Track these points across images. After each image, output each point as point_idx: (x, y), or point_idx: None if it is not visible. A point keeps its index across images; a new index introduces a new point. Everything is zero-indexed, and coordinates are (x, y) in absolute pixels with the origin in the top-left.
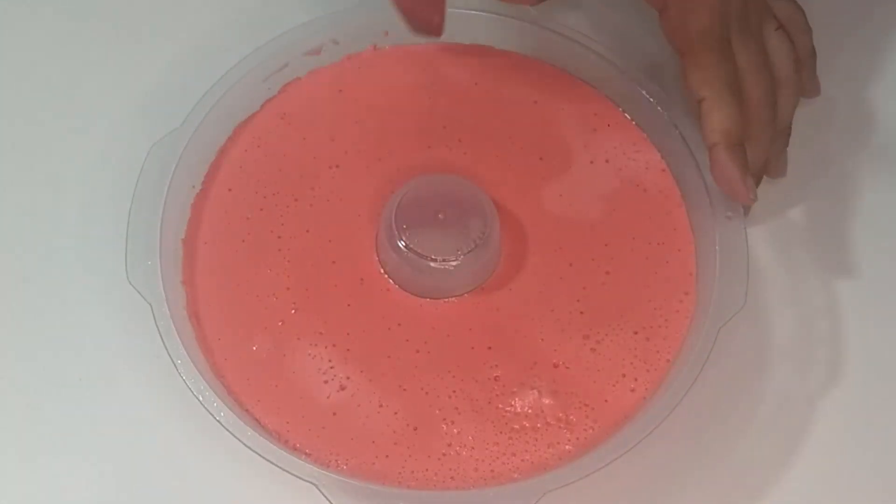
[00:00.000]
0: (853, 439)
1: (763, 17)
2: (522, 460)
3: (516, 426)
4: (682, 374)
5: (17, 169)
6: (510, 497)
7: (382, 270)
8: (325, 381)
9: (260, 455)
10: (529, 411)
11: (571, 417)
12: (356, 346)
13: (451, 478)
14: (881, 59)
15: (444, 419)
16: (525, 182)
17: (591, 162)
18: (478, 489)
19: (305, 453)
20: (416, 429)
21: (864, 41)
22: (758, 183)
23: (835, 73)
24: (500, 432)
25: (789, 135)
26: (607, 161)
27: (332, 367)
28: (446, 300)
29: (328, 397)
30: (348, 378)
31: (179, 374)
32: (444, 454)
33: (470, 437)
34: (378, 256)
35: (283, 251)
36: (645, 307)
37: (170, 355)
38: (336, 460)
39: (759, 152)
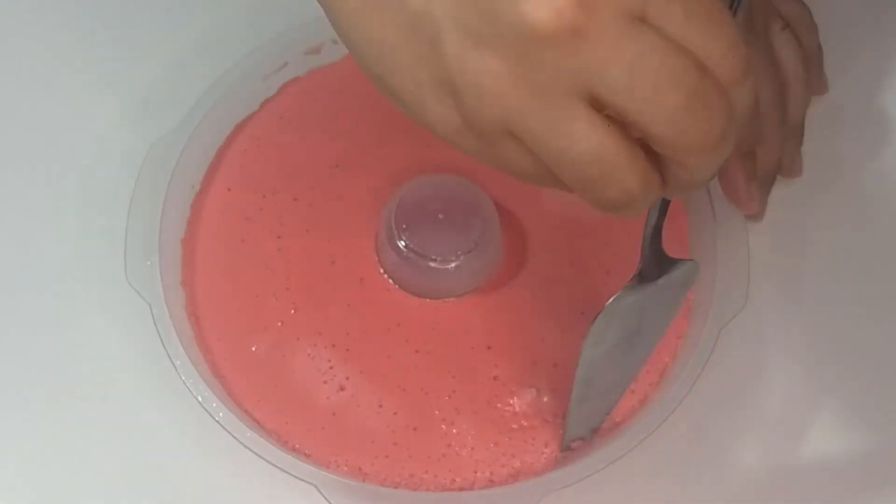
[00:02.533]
0: (853, 440)
1: (768, 16)
2: (522, 461)
3: (516, 426)
4: (682, 375)
5: (16, 168)
6: (510, 498)
7: (382, 270)
8: (325, 382)
9: (259, 456)
10: (529, 411)
11: None
12: (356, 347)
13: (452, 479)
14: (890, 60)
15: (444, 419)
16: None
17: None
18: (478, 490)
19: (305, 454)
20: (415, 429)
21: (874, 42)
22: (770, 184)
23: (842, 75)
24: (500, 433)
25: (802, 134)
26: None
27: (331, 368)
28: (446, 300)
29: (328, 398)
30: (348, 378)
31: (178, 374)
32: (443, 455)
33: (470, 438)
34: (378, 256)
35: (283, 251)
36: None
37: (169, 356)
38: (335, 461)
39: (770, 154)
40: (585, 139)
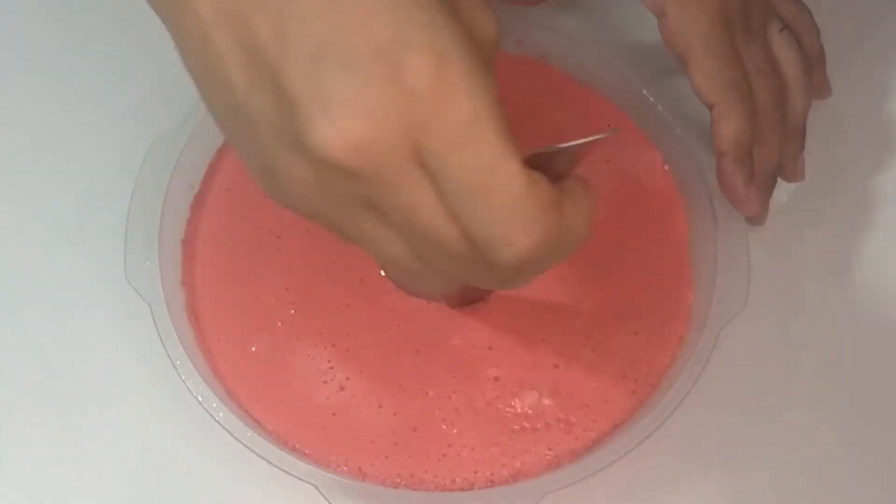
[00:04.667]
0: (853, 441)
1: (766, 18)
2: (523, 461)
3: (516, 427)
4: (682, 376)
5: (16, 169)
6: (511, 498)
7: (382, 271)
8: (325, 382)
9: (259, 456)
10: (530, 412)
11: (572, 418)
12: (356, 347)
13: (452, 479)
14: (892, 67)
15: (444, 420)
16: None
17: (591, 162)
18: (478, 490)
19: (305, 454)
20: (415, 429)
21: (877, 49)
22: (771, 187)
23: (844, 81)
24: (501, 433)
25: (804, 137)
26: (607, 161)
27: (331, 368)
28: (446, 300)
29: (327, 398)
30: (348, 378)
31: (179, 374)
32: (444, 455)
33: (470, 438)
34: None
35: (283, 251)
36: (645, 308)
37: (169, 356)
38: (335, 461)
39: (769, 155)
40: (389, 246)
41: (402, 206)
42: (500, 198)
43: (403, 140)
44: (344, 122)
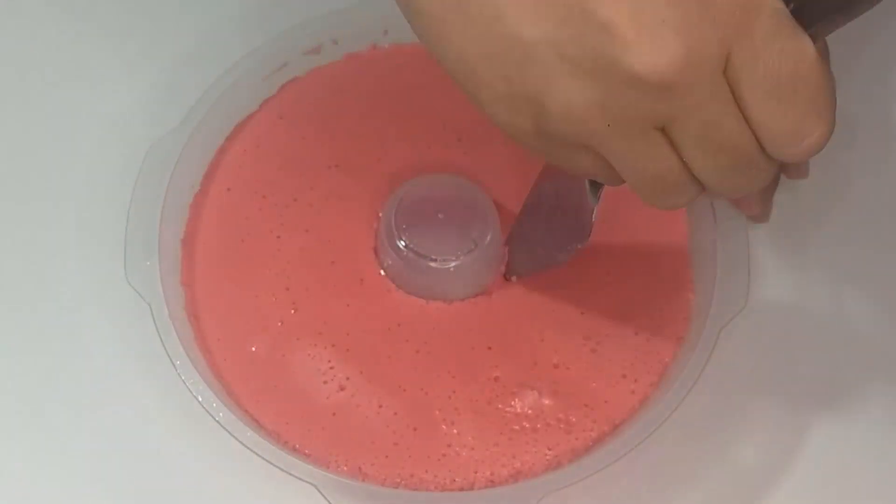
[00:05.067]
0: (854, 440)
1: None
2: (523, 461)
3: (516, 427)
4: (682, 375)
5: (16, 169)
6: (510, 498)
7: (382, 271)
8: (325, 382)
9: (259, 455)
10: (529, 412)
11: (571, 418)
12: (356, 347)
13: (452, 479)
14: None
15: (444, 420)
16: (525, 182)
17: None
18: (478, 490)
19: (305, 454)
20: (415, 429)
21: (880, 48)
22: (774, 186)
23: (846, 81)
24: (501, 433)
25: None
26: None
27: (331, 368)
28: (446, 300)
29: (328, 398)
30: (348, 378)
31: (178, 374)
32: (443, 455)
33: (470, 438)
34: (378, 256)
35: (283, 251)
36: (645, 307)
37: (169, 356)
38: (335, 461)
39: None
40: (661, 162)
41: (706, 118)
42: (804, 91)
43: (718, 53)
44: (668, 40)
